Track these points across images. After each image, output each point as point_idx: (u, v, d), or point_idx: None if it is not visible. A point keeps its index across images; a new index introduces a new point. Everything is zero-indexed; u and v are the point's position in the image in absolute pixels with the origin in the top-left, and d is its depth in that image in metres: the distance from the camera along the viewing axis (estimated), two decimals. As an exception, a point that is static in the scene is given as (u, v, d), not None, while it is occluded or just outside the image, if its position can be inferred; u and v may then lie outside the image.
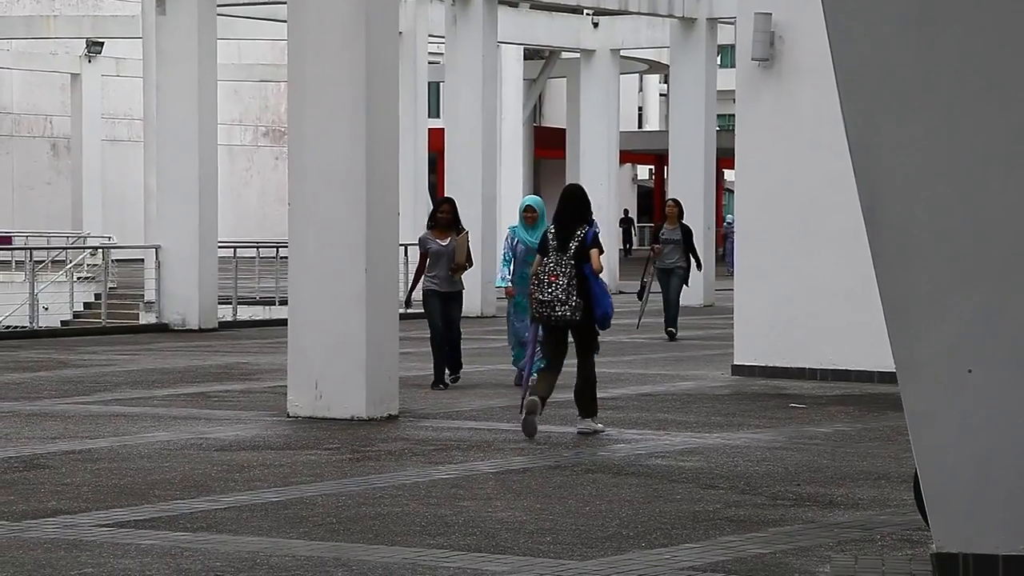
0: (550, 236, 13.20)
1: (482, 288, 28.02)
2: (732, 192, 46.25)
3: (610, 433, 13.46)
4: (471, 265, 17.09)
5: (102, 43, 50.67)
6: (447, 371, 16.89)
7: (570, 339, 13.34)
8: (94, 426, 13.87)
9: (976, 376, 7.91)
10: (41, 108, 57.61)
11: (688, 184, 33.18)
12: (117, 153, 55.63)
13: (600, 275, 13.16)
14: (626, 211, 42.66)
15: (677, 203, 24.30)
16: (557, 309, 12.99)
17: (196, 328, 25.21)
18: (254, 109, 62.95)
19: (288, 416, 14.47)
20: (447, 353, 16.89)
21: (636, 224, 69.33)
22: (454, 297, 17.00)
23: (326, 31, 14.46)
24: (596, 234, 13.30)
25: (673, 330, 23.47)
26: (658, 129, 70.71)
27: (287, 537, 9.10)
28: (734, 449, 12.58)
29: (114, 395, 16.33)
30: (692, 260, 23.83)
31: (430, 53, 36.31)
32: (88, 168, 51.91)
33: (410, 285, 17.72)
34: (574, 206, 13.29)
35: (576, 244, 13.07)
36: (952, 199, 7.87)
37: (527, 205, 16.60)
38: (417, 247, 17.34)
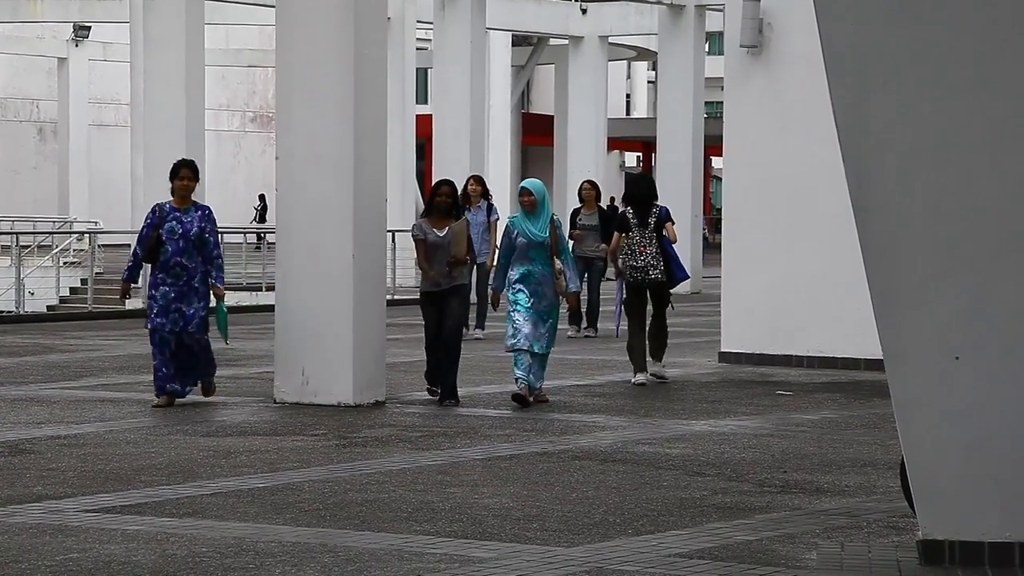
0: (629, 215, 16.03)
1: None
2: (720, 179, 46.20)
3: (596, 420, 13.47)
4: (475, 258, 14.86)
5: (89, 27, 50.58)
6: (439, 394, 14.38)
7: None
8: (80, 411, 13.84)
9: (963, 363, 7.92)
10: (28, 92, 57.48)
11: (676, 171, 33.16)
12: (104, 138, 55.53)
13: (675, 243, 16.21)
14: (612, 199, 42.70)
15: (594, 185, 21.84)
16: (650, 272, 15.97)
17: (183, 314, 25.11)
18: (242, 94, 62.86)
19: (275, 402, 14.44)
20: (443, 366, 14.34)
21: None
22: (454, 292, 14.43)
23: (314, 16, 14.42)
24: (668, 210, 16.23)
25: (593, 332, 21.44)
26: (646, 116, 70.69)
27: (273, 523, 9.08)
28: (721, 436, 12.58)
29: (100, 380, 16.30)
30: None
31: (418, 39, 36.27)
32: (75, 153, 51.81)
33: (423, 273, 14.64)
34: (646, 189, 16.35)
35: (654, 220, 15.99)
36: (941, 186, 7.87)
37: (523, 188, 14.57)
38: (411, 235, 14.85)
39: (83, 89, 52.42)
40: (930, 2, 7.73)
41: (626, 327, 16.38)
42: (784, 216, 17.98)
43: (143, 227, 14.35)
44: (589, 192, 21.47)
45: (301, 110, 14.48)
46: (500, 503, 9.69)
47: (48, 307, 29.97)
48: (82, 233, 34.06)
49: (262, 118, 62.40)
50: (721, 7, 25.44)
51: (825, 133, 10.58)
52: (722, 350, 18.43)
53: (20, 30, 51.95)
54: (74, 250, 33.37)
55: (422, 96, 41.13)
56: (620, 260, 16.08)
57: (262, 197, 54.12)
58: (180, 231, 14.16)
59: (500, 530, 8.91)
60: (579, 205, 21.96)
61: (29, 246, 32.72)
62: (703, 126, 34.06)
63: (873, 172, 7.89)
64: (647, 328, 16.17)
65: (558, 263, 14.34)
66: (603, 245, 20.70)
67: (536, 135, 56.87)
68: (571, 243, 19.67)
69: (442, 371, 14.32)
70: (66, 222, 40.56)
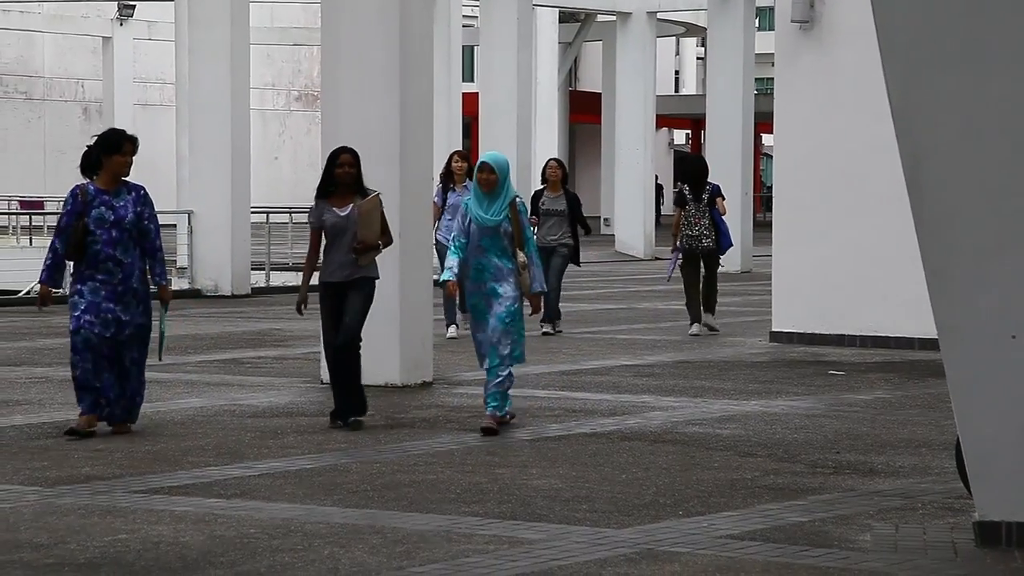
0: (686, 191, 18.99)
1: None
2: (770, 157, 45.77)
3: (646, 400, 13.38)
4: (390, 242, 12.07)
5: (134, 6, 50.71)
6: (338, 415, 11.92)
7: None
8: (128, 392, 13.81)
9: (1020, 342, 7.81)
10: (73, 72, 57.70)
11: (726, 149, 33.03)
12: (149, 117, 55.70)
13: (725, 215, 19.09)
14: (656, 176, 42.71)
15: (560, 165, 19.26)
16: (703, 241, 18.86)
17: (229, 294, 25.19)
18: (287, 73, 62.95)
19: (322, 383, 14.40)
20: (341, 378, 11.91)
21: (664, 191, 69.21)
22: (357, 285, 11.86)
23: (360, -6, 14.34)
24: (719, 187, 19.34)
25: (549, 328, 18.80)
26: (695, 93, 70.46)
27: (321, 504, 9.04)
28: (772, 416, 12.48)
29: (146, 361, 16.25)
30: (582, 229, 19.06)
31: (464, 16, 36.22)
32: (121, 133, 51.93)
33: (302, 282, 12.12)
34: (700, 168, 19.20)
35: (707, 195, 18.94)
36: (996, 161, 7.75)
37: (482, 163, 11.80)
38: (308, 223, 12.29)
39: (128, 69, 52.58)
40: (987, -26, 7.60)
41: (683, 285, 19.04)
42: (836, 194, 17.84)
43: (62, 215, 11.55)
44: (555, 172, 18.90)
45: (347, 89, 14.41)
46: (549, 484, 9.62)
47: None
48: (129, 213, 34.08)
49: (307, 97, 62.48)
50: (769, -18, 25.25)
51: (878, 109, 10.45)
52: (773, 330, 18.31)
53: (65, 9, 52.16)
54: (121, 230, 33.39)
55: (468, 74, 41.11)
56: (680, 232, 18.78)
57: None
58: (112, 218, 11.39)
59: (549, 511, 8.85)
60: (542, 186, 19.25)
61: (77, 226, 32.80)
62: (753, 103, 33.90)
63: (927, 148, 7.78)
64: (701, 287, 18.91)
65: (522, 255, 11.74)
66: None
67: (584, 113, 56.79)
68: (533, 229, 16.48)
69: (334, 383, 11.94)
70: (113, 202, 40.61)
